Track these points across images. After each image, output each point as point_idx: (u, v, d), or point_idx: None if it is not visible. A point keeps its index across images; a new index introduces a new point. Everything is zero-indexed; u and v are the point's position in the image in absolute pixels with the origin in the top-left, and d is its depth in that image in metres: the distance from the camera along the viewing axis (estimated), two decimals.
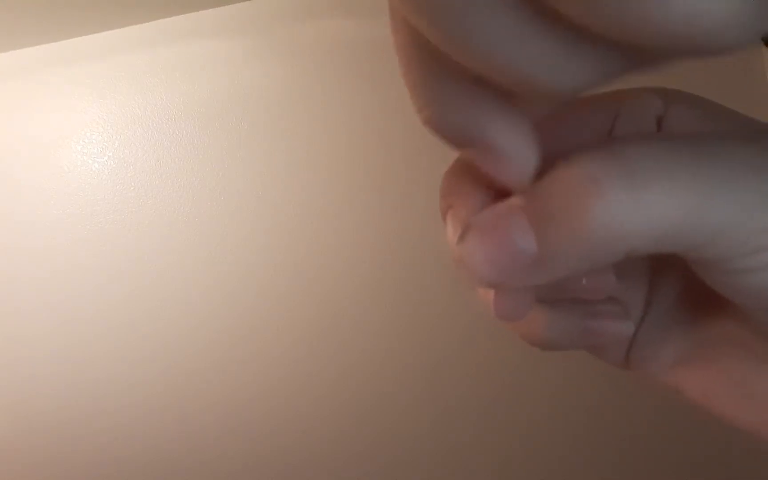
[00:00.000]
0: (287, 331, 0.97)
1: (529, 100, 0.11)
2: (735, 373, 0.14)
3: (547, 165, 0.11)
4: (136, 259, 1.00)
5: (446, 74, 0.10)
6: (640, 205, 0.09)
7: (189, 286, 0.99)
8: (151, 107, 1.00)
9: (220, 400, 0.99)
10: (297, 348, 0.97)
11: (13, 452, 1.04)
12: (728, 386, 0.14)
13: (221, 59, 0.99)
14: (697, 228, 0.10)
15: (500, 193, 0.13)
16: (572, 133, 0.16)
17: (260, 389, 0.98)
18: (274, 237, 0.97)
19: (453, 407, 0.94)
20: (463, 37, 0.08)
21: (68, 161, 1.01)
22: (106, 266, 1.01)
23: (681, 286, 0.15)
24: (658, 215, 0.09)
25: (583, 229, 0.10)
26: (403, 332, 0.95)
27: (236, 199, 0.98)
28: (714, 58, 0.08)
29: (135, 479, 1.01)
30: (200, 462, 1.00)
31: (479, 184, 0.14)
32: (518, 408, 0.93)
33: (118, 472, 1.01)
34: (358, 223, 0.95)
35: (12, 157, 1.03)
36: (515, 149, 0.11)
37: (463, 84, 0.10)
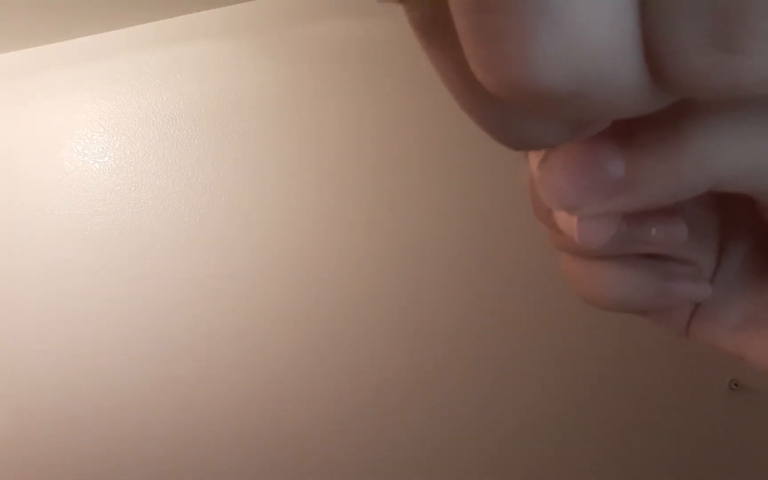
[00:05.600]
0: (286, 328, 0.98)
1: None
2: None
3: None
4: (137, 257, 1.01)
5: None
6: (733, 138, 0.10)
7: (189, 284, 1.00)
8: (151, 107, 1.01)
9: (220, 396, 0.99)
10: (293, 341, 0.98)
11: (14, 448, 1.05)
12: None
13: (221, 59, 0.99)
14: None
15: None
16: None
17: (257, 382, 0.99)
18: (275, 235, 0.98)
19: (448, 405, 0.95)
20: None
21: (69, 161, 1.02)
22: (106, 264, 1.01)
23: (749, 247, 0.15)
24: (747, 151, 0.10)
25: (675, 153, 0.10)
26: (400, 331, 0.96)
27: (236, 198, 0.98)
28: None
29: (133, 474, 1.02)
30: (199, 457, 1.01)
31: None
32: (513, 406, 0.94)
33: (118, 468, 1.02)
34: (356, 220, 0.96)
35: (14, 157, 1.03)
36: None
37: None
